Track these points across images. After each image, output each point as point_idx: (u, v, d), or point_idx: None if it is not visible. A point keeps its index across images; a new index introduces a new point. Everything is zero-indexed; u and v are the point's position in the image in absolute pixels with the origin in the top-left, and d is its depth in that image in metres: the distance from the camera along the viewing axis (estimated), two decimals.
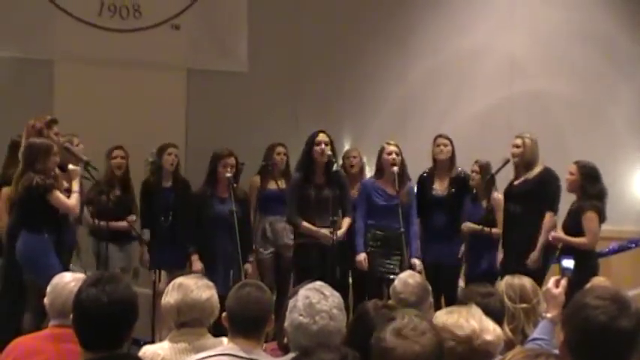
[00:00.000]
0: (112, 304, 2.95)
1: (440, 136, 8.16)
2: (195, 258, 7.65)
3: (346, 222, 7.67)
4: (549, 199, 7.57)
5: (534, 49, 10.07)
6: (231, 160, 7.67)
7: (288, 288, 7.80)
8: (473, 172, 7.94)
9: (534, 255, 7.44)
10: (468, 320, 3.19)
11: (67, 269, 5.94)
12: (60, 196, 6.77)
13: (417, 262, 7.58)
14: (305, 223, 7.53)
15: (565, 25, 10.09)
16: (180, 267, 7.81)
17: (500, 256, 7.72)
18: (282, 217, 8.15)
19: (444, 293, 7.74)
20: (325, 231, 7.40)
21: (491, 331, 3.21)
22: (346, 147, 9.10)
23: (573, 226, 7.27)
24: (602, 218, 7.28)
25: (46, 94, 8.87)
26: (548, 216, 7.53)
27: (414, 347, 2.68)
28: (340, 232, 7.48)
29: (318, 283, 3.49)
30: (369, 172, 8.38)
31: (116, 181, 8.15)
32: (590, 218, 7.19)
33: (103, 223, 7.51)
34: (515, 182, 7.75)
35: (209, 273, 7.03)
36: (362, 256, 7.59)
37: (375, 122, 9.69)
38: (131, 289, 3.09)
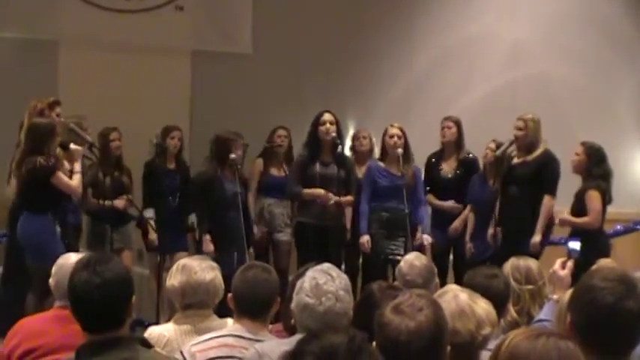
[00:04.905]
0: (105, 285, 2.93)
1: (446, 118, 8.19)
2: (207, 239, 7.58)
3: (349, 196, 7.65)
4: (548, 181, 7.54)
5: (538, 35, 10.07)
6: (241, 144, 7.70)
7: (286, 271, 7.80)
8: (488, 149, 7.95)
9: (535, 239, 7.43)
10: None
11: (74, 250, 5.93)
12: (63, 177, 6.74)
13: (428, 237, 7.59)
14: (306, 190, 7.52)
15: (570, 11, 10.10)
16: (183, 249, 7.83)
17: (490, 232, 7.68)
18: (282, 202, 8.22)
19: (455, 273, 7.76)
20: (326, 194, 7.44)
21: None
22: (351, 130, 9.08)
23: (579, 208, 7.29)
24: (607, 199, 7.30)
25: (51, 75, 8.85)
26: (546, 199, 7.50)
27: (409, 323, 2.67)
28: (347, 199, 7.55)
29: (326, 265, 3.49)
30: (379, 154, 8.36)
31: (113, 162, 8.11)
32: (592, 197, 7.21)
33: (108, 202, 7.49)
34: (515, 163, 7.72)
35: (218, 254, 7.07)
36: (365, 238, 7.58)
37: (379, 106, 9.67)
38: (122, 266, 3.06)
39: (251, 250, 7.80)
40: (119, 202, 7.85)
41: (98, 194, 7.70)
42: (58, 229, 6.80)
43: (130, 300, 3.01)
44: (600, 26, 10.07)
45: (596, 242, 6.91)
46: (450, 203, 8.13)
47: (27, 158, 6.65)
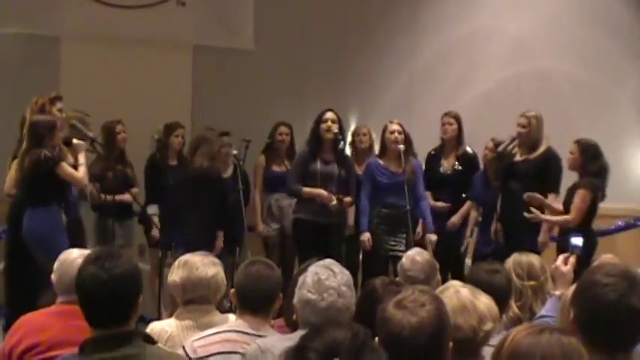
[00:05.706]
0: (113, 281, 2.94)
1: (446, 114, 8.18)
2: (220, 235, 7.67)
3: (349, 197, 7.64)
4: (551, 180, 7.50)
5: (541, 30, 10.04)
6: None
7: (294, 266, 7.81)
8: (487, 149, 7.94)
9: (542, 238, 7.42)
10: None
11: (78, 245, 5.92)
12: (68, 168, 6.75)
13: (432, 237, 7.58)
14: (306, 188, 7.47)
15: (572, 7, 10.08)
16: (183, 245, 7.82)
17: (493, 227, 7.65)
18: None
19: (451, 271, 7.75)
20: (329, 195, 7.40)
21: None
22: (353, 126, 9.06)
23: (569, 203, 7.24)
24: (601, 196, 7.23)
25: (53, 71, 8.83)
26: (551, 198, 7.45)
27: (412, 319, 2.67)
28: (347, 200, 7.51)
29: (328, 261, 3.49)
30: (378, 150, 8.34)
31: (118, 155, 8.11)
32: (580, 195, 7.11)
33: (110, 197, 7.49)
34: (517, 160, 7.69)
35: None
36: (366, 236, 7.56)
37: (382, 102, 9.66)
38: (131, 263, 3.07)
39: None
40: (122, 196, 7.83)
41: (102, 188, 7.70)
42: (66, 218, 6.81)
43: (137, 297, 3.03)
44: (603, 22, 10.05)
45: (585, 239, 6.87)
46: (439, 204, 8.11)
47: (31, 151, 6.65)
